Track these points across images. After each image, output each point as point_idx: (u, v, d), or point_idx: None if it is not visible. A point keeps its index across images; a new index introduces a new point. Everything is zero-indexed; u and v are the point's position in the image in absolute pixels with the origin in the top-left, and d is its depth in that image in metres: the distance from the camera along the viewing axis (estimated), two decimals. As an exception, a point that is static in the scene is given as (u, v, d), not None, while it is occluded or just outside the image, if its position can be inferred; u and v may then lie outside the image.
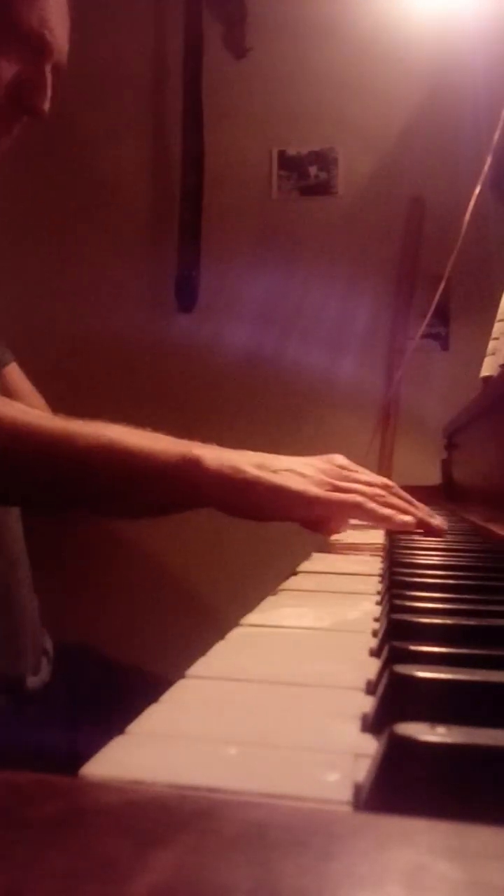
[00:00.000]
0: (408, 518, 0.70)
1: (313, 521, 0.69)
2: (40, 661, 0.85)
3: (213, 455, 0.65)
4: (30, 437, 0.64)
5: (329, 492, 0.67)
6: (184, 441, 0.68)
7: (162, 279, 2.02)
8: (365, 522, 0.71)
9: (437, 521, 0.74)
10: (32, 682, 0.81)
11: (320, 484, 0.67)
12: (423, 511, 0.74)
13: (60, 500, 0.75)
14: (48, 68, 0.78)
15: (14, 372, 1.00)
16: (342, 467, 0.73)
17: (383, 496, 0.70)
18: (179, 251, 2.02)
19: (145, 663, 0.96)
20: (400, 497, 0.72)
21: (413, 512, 0.72)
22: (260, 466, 0.66)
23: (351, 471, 0.73)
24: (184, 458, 0.64)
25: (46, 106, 0.79)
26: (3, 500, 0.74)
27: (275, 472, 0.66)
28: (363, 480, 0.71)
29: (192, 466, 0.64)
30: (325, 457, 0.73)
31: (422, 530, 0.72)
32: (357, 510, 0.67)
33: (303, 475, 0.67)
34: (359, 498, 0.67)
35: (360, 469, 0.75)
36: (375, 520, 0.68)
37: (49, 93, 0.79)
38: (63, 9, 0.79)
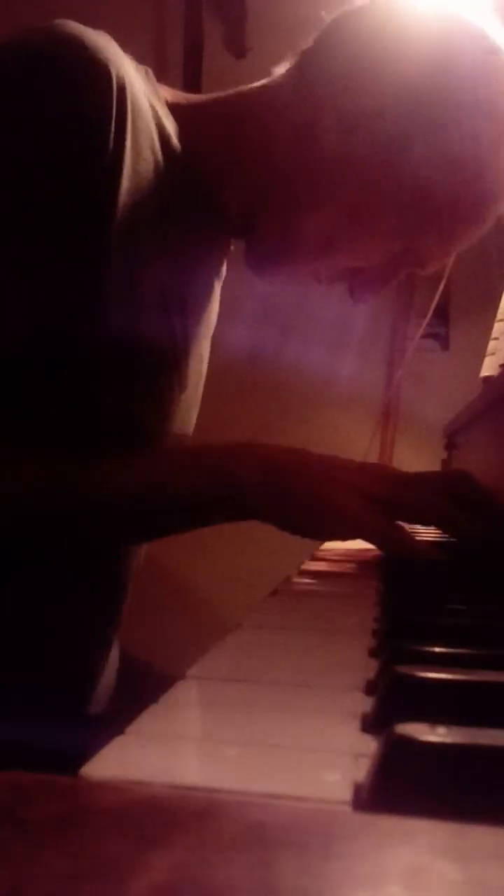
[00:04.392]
0: (444, 559, 0.61)
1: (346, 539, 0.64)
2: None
3: (259, 470, 0.60)
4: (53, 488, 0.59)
5: (370, 514, 0.59)
6: (226, 453, 0.62)
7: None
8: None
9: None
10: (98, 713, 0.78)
11: (370, 499, 0.60)
12: (477, 532, 0.63)
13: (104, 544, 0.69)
14: (400, 276, 0.73)
15: None
16: (393, 478, 0.64)
17: (436, 518, 0.61)
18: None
19: (146, 663, 0.96)
20: (450, 522, 0.62)
21: (468, 534, 0.62)
22: (306, 477, 0.60)
23: (404, 480, 0.64)
24: (229, 478, 0.60)
25: (368, 301, 0.74)
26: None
27: (321, 483, 0.60)
28: (415, 504, 0.62)
29: (238, 488, 0.59)
30: (372, 463, 0.67)
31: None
32: (392, 541, 0.60)
33: (351, 488, 0.60)
34: (395, 533, 0.60)
35: (418, 475, 0.66)
36: (411, 554, 0.59)
37: (379, 293, 0.73)
38: (467, 244, 0.73)
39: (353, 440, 1.87)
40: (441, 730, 0.19)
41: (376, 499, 0.60)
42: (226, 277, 0.82)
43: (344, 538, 0.64)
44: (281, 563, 0.73)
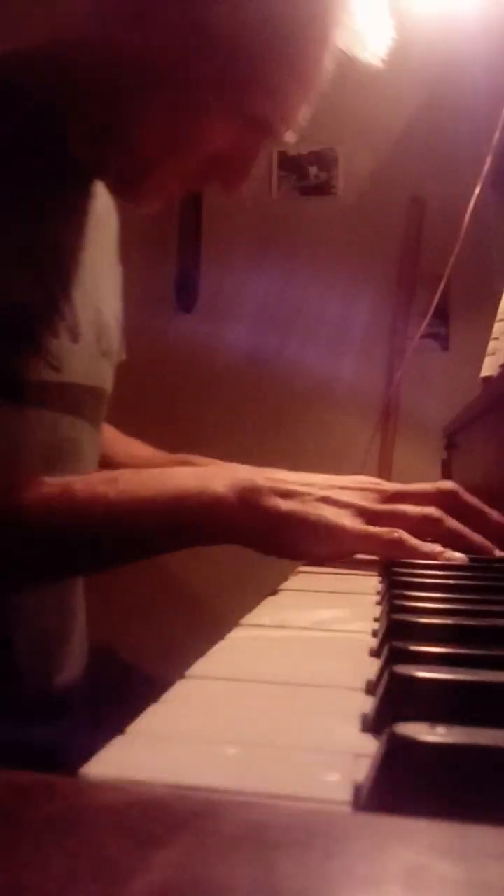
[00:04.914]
0: (455, 556, 0.58)
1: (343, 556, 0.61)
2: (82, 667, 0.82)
3: (235, 490, 0.57)
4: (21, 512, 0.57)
5: (366, 526, 0.58)
6: (200, 473, 0.60)
7: (162, 279, 2.02)
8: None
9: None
10: (70, 689, 0.78)
11: (358, 513, 0.59)
12: (477, 537, 0.61)
13: (76, 569, 0.67)
14: (259, 151, 0.70)
15: None
16: (382, 491, 0.63)
17: (434, 525, 0.59)
18: (179, 251, 2.02)
19: (146, 663, 0.96)
20: (451, 529, 0.60)
21: (468, 542, 0.60)
22: (288, 495, 0.58)
23: (394, 493, 0.63)
24: (201, 503, 0.57)
25: (242, 188, 0.71)
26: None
27: (304, 501, 0.58)
28: (409, 511, 0.60)
29: (212, 511, 0.57)
30: (358, 478, 0.64)
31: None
32: (395, 547, 0.57)
33: (337, 503, 0.58)
34: (395, 534, 0.57)
35: (409, 488, 0.64)
36: (417, 557, 0.57)
37: (250, 176, 0.71)
38: (312, 90, 0.68)
39: (353, 440, 1.88)
40: (441, 730, 0.19)
41: (367, 512, 0.59)
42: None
43: (336, 557, 0.60)
44: (281, 562, 0.73)
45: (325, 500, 0.59)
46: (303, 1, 0.64)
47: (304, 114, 0.69)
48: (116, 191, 0.76)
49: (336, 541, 0.57)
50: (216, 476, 0.59)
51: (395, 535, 0.57)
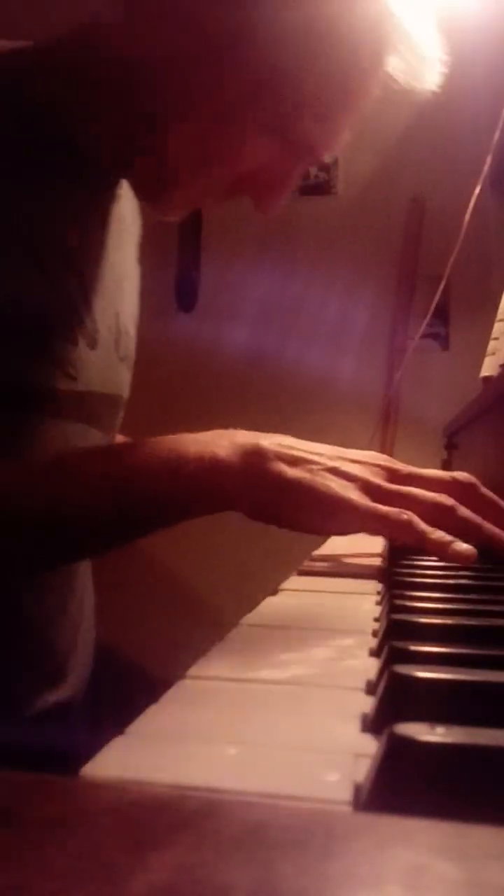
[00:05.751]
0: (464, 548, 0.53)
1: (347, 532, 0.58)
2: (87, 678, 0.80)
3: (237, 454, 0.54)
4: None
5: (374, 503, 0.54)
6: (199, 438, 0.57)
7: (162, 279, 2.02)
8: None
9: None
10: (76, 699, 0.76)
11: (367, 489, 0.55)
12: (490, 527, 0.58)
13: (79, 551, 0.63)
14: (297, 172, 0.66)
15: None
16: (394, 470, 0.59)
17: (446, 513, 0.56)
18: (179, 251, 2.02)
19: (146, 663, 0.96)
20: (464, 518, 0.56)
21: (482, 532, 0.57)
22: (295, 462, 0.54)
23: (406, 474, 0.59)
24: (201, 468, 0.54)
25: (276, 210, 0.67)
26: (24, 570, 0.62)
27: (311, 470, 0.54)
28: (420, 495, 0.56)
29: (213, 475, 0.54)
30: (369, 453, 0.61)
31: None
32: (403, 530, 0.53)
33: (346, 475, 0.55)
34: (405, 516, 0.53)
35: (423, 472, 0.60)
36: (423, 545, 0.53)
37: (286, 198, 0.67)
38: (357, 115, 0.64)
39: (353, 440, 1.87)
40: (441, 730, 0.19)
41: (376, 489, 0.56)
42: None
43: (340, 532, 0.58)
44: (281, 563, 0.73)
45: (333, 471, 0.55)
46: (359, 26, 0.60)
47: (346, 137, 0.66)
48: (142, 195, 0.73)
49: (342, 515, 0.54)
50: (217, 439, 0.56)
51: (405, 516, 0.53)
